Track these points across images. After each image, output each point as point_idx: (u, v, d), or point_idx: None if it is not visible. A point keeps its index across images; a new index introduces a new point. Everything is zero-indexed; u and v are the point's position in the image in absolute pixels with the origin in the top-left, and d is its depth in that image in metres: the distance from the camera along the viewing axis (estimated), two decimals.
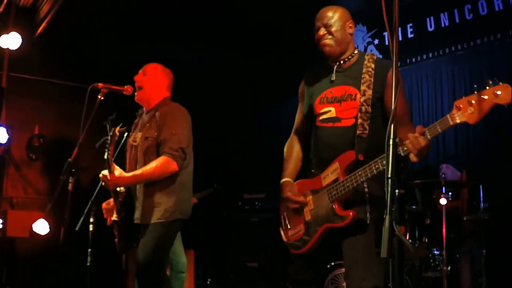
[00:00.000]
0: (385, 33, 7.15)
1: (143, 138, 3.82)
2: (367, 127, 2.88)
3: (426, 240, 5.35)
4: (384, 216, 1.94)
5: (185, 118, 3.89)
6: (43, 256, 6.60)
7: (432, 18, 6.67)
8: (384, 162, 2.60)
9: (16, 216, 6.59)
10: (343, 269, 3.81)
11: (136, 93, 3.97)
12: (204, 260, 7.44)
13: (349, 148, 2.89)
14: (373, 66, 2.99)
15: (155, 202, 3.71)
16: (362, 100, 2.91)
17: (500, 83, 2.22)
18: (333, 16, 3.05)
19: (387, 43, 7.19)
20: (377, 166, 2.68)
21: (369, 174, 2.72)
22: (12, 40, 6.36)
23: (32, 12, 7.16)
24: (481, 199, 5.10)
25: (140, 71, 4.03)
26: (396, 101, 2.05)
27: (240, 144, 8.35)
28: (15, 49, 6.43)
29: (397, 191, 1.98)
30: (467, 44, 6.35)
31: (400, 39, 6.73)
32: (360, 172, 2.77)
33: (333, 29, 3.04)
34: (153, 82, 3.98)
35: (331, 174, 2.92)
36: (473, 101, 2.29)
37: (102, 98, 3.69)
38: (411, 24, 6.89)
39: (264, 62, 8.13)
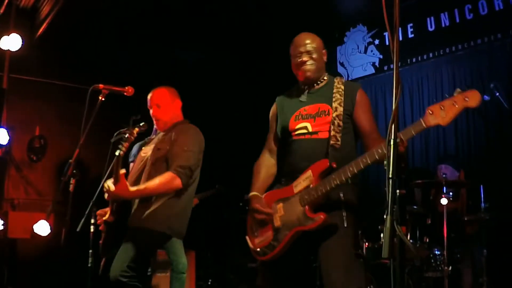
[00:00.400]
0: (386, 33, 7.15)
1: (156, 149, 3.84)
2: (339, 139, 3.02)
3: (427, 240, 5.35)
4: (385, 216, 1.95)
5: (198, 138, 3.91)
6: (44, 257, 6.61)
7: (432, 18, 6.68)
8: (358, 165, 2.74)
9: (17, 217, 6.60)
10: None
11: (156, 124, 4.04)
12: (205, 261, 7.43)
13: (323, 158, 2.97)
14: (342, 87, 3.17)
15: (147, 210, 3.70)
16: (334, 115, 3.06)
17: (469, 90, 2.42)
18: (313, 44, 3.20)
19: (387, 43, 7.19)
20: (351, 169, 2.77)
21: (343, 177, 2.80)
22: (12, 42, 6.36)
23: (32, 13, 7.17)
24: (482, 199, 5.10)
25: (152, 105, 4.01)
26: (397, 101, 2.06)
27: (242, 144, 8.34)
28: (16, 51, 6.43)
29: (398, 191, 1.98)
30: (468, 44, 6.36)
31: (401, 39, 6.73)
32: (333, 176, 2.84)
33: (314, 56, 3.19)
34: (169, 110, 4.00)
35: (303, 181, 2.99)
36: (445, 106, 2.46)
37: (103, 99, 3.68)
38: (411, 24, 6.90)
39: (267, 62, 8.12)
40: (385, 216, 1.94)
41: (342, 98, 3.11)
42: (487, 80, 5.91)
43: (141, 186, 3.65)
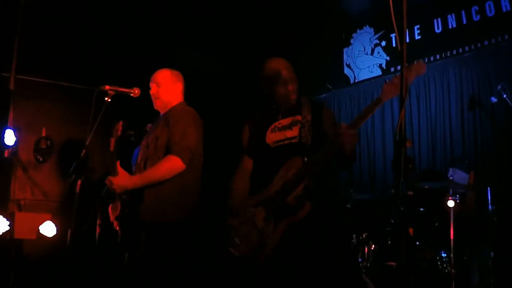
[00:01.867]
0: (392, 35, 7.15)
1: (154, 138, 3.80)
2: (309, 138, 3.25)
3: (434, 242, 5.33)
4: (392, 219, 1.95)
5: (195, 120, 3.88)
6: (50, 258, 6.61)
7: (439, 19, 6.67)
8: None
9: (23, 218, 6.59)
10: None
11: (154, 103, 4.00)
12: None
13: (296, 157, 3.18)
14: (310, 103, 3.44)
15: (159, 202, 3.63)
16: (303, 121, 3.33)
17: (417, 61, 2.81)
18: (289, 67, 3.49)
19: (394, 45, 7.18)
20: (319, 158, 3.04)
21: (314, 166, 3.04)
22: (18, 43, 6.38)
23: (38, 13, 7.18)
24: (489, 201, 5.08)
25: (152, 83, 4.00)
26: (403, 106, 2.05)
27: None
28: (22, 52, 6.45)
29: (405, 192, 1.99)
30: (475, 46, 6.35)
31: (408, 40, 6.71)
32: (306, 167, 3.07)
33: (294, 83, 3.46)
34: (169, 91, 3.99)
35: (279, 180, 3.16)
36: (397, 81, 2.71)
37: (109, 100, 3.69)
38: (418, 26, 6.89)
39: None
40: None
41: (311, 109, 3.37)
42: (494, 82, 5.89)
43: (144, 173, 3.65)
